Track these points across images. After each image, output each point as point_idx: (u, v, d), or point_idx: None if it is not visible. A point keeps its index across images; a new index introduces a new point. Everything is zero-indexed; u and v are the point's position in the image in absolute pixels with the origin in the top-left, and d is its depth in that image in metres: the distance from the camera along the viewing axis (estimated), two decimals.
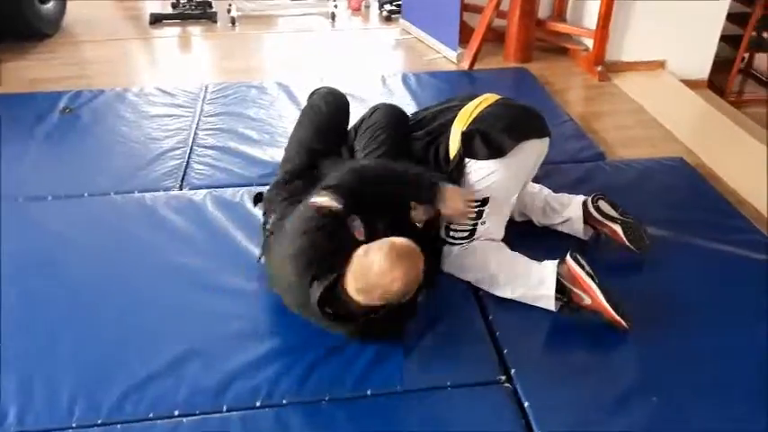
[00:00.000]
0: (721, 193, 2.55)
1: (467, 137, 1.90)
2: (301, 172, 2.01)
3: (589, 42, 3.83)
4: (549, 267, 1.84)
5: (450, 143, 1.94)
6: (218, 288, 1.98)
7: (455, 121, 1.95)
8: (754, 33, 4.31)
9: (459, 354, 1.76)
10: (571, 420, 1.59)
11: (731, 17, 3.85)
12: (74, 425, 1.58)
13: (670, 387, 1.68)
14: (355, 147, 2.03)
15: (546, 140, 2.01)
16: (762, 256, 2.17)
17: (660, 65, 3.84)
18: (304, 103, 2.32)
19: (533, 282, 1.85)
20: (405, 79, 3.50)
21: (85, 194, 2.44)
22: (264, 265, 1.92)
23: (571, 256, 1.83)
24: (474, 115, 1.93)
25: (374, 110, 2.07)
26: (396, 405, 1.63)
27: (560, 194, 2.20)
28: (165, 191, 2.48)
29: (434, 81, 3.51)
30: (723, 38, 3.85)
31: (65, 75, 3.64)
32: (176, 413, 1.60)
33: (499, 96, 2.04)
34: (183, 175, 2.59)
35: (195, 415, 1.60)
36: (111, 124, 3.00)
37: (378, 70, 3.69)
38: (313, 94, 2.20)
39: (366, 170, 1.83)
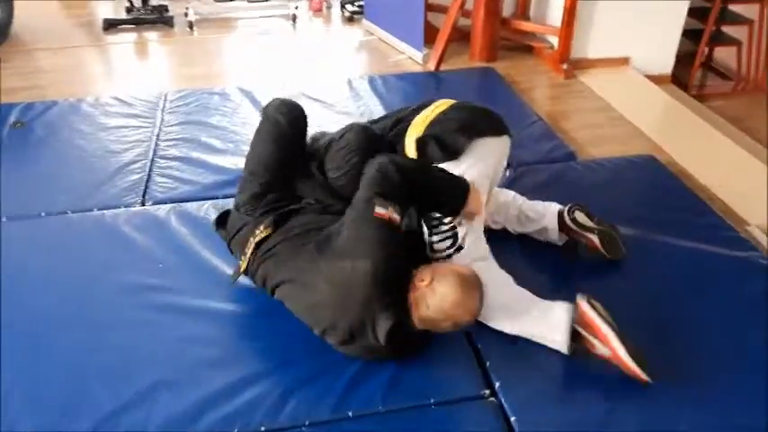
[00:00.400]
0: (692, 189, 2.56)
1: (421, 143, 1.88)
2: (270, 186, 1.94)
3: (554, 40, 3.83)
4: (564, 312, 1.71)
5: (407, 152, 1.91)
6: (187, 310, 1.89)
7: (409, 130, 1.92)
8: (714, 27, 4.37)
9: (441, 369, 1.71)
10: None
11: (691, 12, 3.89)
12: None
13: (660, 392, 1.64)
14: (326, 165, 1.97)
15: (504, 139, 1.96)
16: (735, 252, 2.17)
17: (625, 61, 3.86)
18: None
19: (544, 326, 1.73)
20: (371, 82, 3.43)
21: (42, 214, 2.31)
22: (262, 278, 1.81)
23: (585, 299, 1.70)
24: (428, 122, 1.91)
25: (347, 130, 2.01)
26: (378, 426, 1.57)
27: (535, 202, 2.16)
28: (126, 207, 2.36)
29: (401, 83, 3.45)
30: (683, 32, 3.88)
31: (15, 85, 3.48)
32: None
33: (453, 101, 2.00)
34: (145, 189, 2.48)
35: None
36: (67, 138, 2.86)
37: (343, 73, 3.62)
38: (267, 107, 2.14)
39: (408, 172, 1.71)
